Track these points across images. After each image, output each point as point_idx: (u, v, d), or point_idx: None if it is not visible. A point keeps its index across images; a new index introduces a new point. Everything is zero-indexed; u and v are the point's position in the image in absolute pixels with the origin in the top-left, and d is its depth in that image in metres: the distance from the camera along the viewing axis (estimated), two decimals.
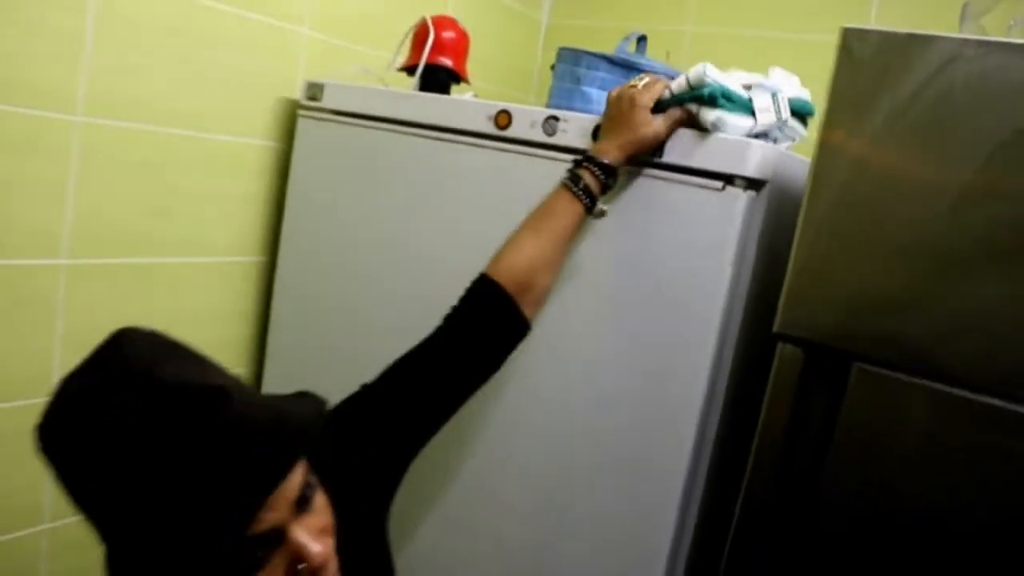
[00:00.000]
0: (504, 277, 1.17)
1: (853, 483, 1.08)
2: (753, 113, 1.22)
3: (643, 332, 1.29)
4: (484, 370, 1.18)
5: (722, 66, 1.23)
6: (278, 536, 0.78)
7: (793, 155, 1.31)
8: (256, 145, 1.75)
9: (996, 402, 0.99)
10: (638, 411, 1.29)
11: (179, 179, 1.62)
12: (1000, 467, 0.99)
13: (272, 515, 0.76)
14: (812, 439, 1.11)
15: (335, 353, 1.68)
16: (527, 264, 1.19)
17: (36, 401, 1.44)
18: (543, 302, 1.24)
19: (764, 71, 1.31)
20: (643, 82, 1.24)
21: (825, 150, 1.09)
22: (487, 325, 1.17)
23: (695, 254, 1.24)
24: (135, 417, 0.72)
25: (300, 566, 0.79)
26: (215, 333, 1.78)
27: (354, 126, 1.64)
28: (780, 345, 1.13)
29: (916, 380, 1.03)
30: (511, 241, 1.22)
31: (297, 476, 0.78)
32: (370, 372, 1.13)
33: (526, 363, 1.37)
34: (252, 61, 1.69)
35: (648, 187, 1.28)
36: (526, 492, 1.43)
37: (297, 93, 1.77)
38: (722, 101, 1.18)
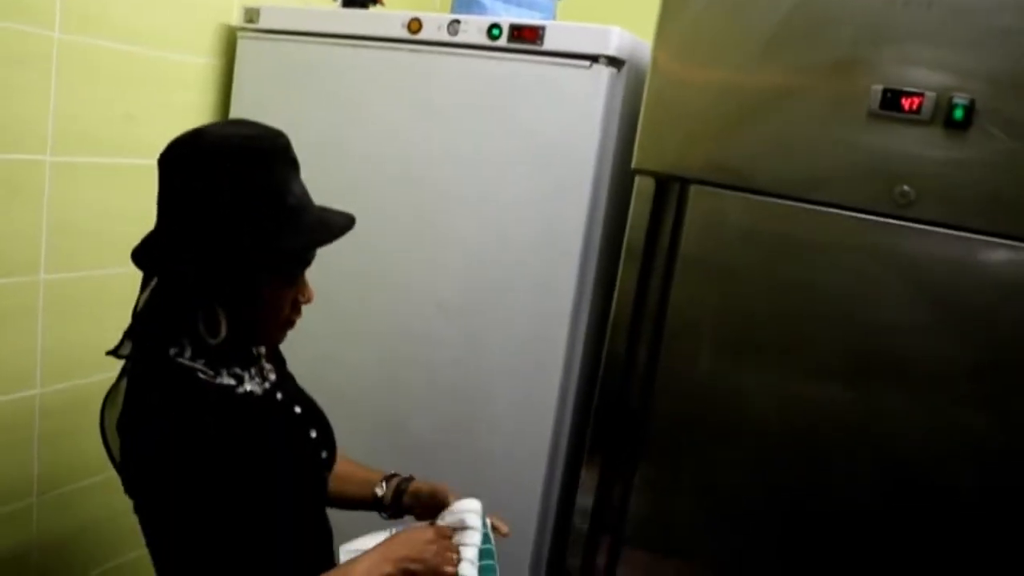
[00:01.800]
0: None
1: (696, 269, 1.44)
2: None
3: (535, 181, 1.63)
4: None
5: None
6: (306, 265, 1.18)
7: (644, 43, 1.65)
8: (202, 63, 2.02)
9: (788, 203, 1.35)
10: (534, 244, 1.64)
11: (139, 90, 1.88)
12: (792, 246, 1.36)
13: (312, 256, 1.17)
14: (666, 242, 1.47)
15: None
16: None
17: (24, 279, 1.72)
18: None
19: None
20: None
21: (660, 34, 1.43)
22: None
23: (573, 119, 1.59)
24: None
25: (301, 299, 1.19)
26: None
27: (288, 42, 1.94)
28: (637, 178, 1.48)
29: (735, 193, 1.39)
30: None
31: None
32: None
33: (445, 212, 1.72)
34: None
35: (531, 69, 1.62)
36: (451, 325, 1.76)
37: (234, 18, 2.05)
38: None
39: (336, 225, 1.15)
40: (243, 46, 2.01)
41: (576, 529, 1.60)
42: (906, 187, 1.27)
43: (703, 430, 1.46)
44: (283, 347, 1.34)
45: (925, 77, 1.25)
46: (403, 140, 1.78)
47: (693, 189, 1.43)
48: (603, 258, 1.65)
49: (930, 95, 1.24)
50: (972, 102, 1.22)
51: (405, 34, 1.75)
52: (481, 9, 1.78)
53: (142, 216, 1.84)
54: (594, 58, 1.55)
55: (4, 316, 1.73)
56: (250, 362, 1.23)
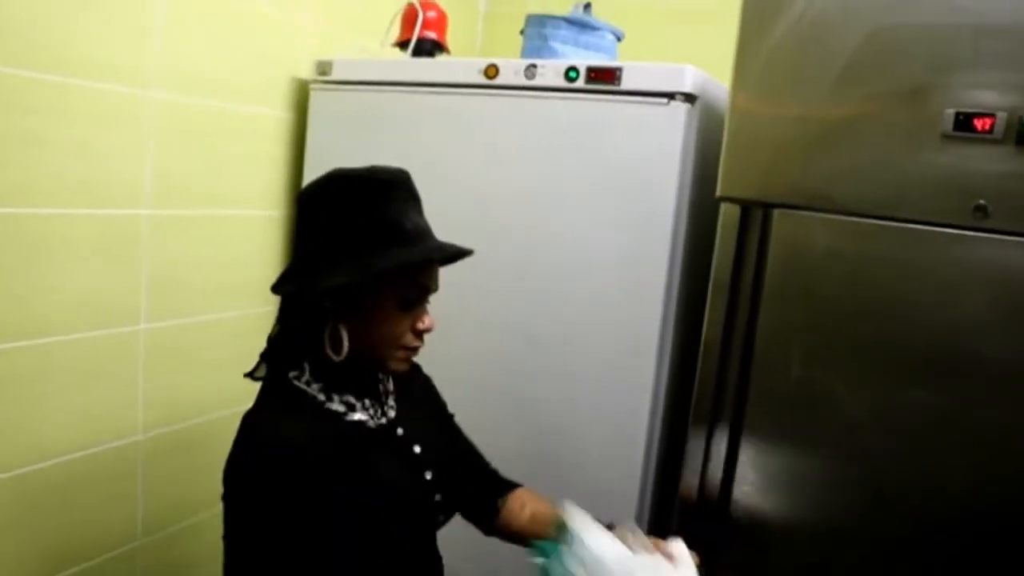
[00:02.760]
0: (507, 516, 1.47)
1: (783, 286, 1.54)
2: None
3: (620, 213, 1.74)
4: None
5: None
6: (426, 295, 1.26)
7: (713, 79, 1.77)
8: (277, 115, 2.13)
9: (869, 221, 1.46)
10: (620, 274, 1.74)
11: (221, 144, 1.99)
12: (874, 261, 1.47)
13: (432, 284, 1.25)
14: (752, 263, 1.57)
15: None
16: (521, 525, 1.46)
17: (126, 329, 1.81)
18: (512, 528, 1.48)
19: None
20: None
21: (738, 72, 1.54)
22: (475, 505, 1.49)
23: (652, 153, 1.69)
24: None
25: (420, 326, 1.25)
26: (253, 273, 2.15)
27: (361, 92, 2.05)
28: (722, 205, 1.59)
29: (817, 214, 1.50)
30: (534, 508, 1.47)
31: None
32: None
33: (533, 248, 1.82)
34: (269, 45, 2.07)
35: (612, 108, 1.73)
36: (542, 357, 1.86)
37: (303, 72, 2.16)
38: None
39: (451, 248, 1.24)
40: (316, 97, 2.12)
41: None
42: (982, 201, 1.38)
43: (798, 439, 1.56)
44: None
45: (995, 99, 1.36)
46: (483, 180, 1.89)
47: (777, 213, 1.54)
48: (685, 283, 1.76)
49: (1001, 115, 1.35)
50: None
51: (482, 80, 1.86)
52: (551, 53, 1.89)
53: (229, 262, 1.96)
54: (671, 95, 1.66)
55: (108, 366, 1.82)
56: (369, 392, 1.31)
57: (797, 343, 1.54)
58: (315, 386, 1.23)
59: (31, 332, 1.65)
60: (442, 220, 1.89)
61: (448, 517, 1.40)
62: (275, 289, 1.24)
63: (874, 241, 1.47)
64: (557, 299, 1.83)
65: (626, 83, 1.70)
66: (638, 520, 1.77)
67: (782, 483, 1.59)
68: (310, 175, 2.14)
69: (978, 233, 1.39)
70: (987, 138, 1.37)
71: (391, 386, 1.37)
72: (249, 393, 2.12)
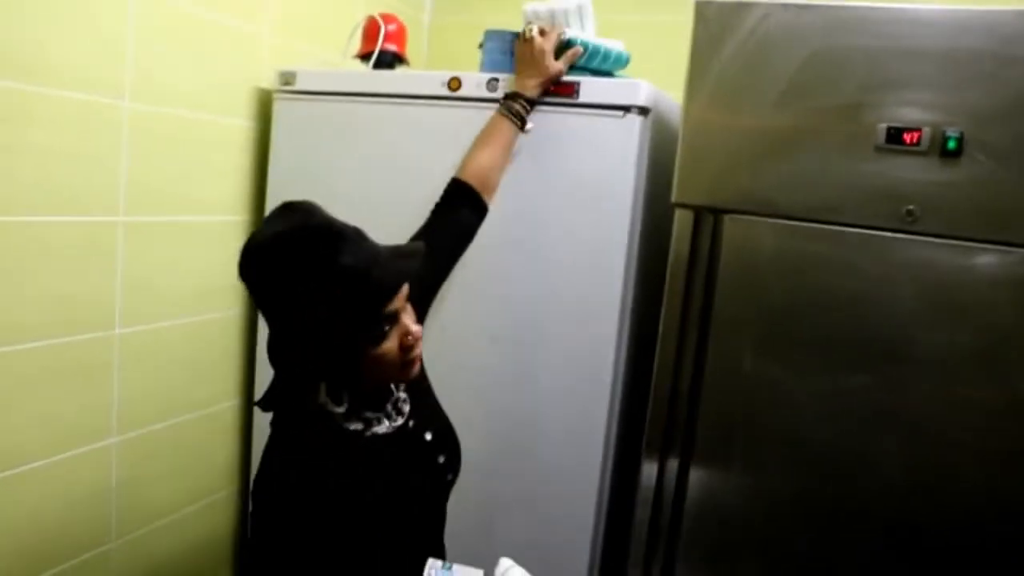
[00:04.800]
0: (469, 177, 1.69)
1: (732, 285, 1.68)
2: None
3: (579, 220, 1.85)
4: (464, 241, 1.68)
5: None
6: (395, 317, 1.23)
7: (664, 92, 1.90)
8: (240, 124, 2.19)
9: (812, 225, 1.61)
10: (579, 276, 1.86)
11: (190, 152, 2.05)
12: (816, 261, 1.61)
13: (395, 304, 1.22)
14: (704, 269, 1.70)
15: None
16: (484, 167, 1.72)
17: (102, 334, 1.88)
18: (495, 192, 1.75)
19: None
20: (538, 31, 1.80)
21: (691, 87, 1.67)
22: (462, 211, 1.67)
23: (609, 162, 1.81)
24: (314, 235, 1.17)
25: (408, 337, 1.25)
26: (221, 278, 2.21)
27: (325, 102, 2.12)
28: (677, 211, 1.72)
29: (763, 219, 1.64)
30: (469, 154, 1.73)
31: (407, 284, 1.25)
32: None
33: (496, 253, 1.92)
34: (232, 56, 2.14)
35: (571, 120, 1.84)
36: (505, 356, 1.97)
37: (267, 82, 2.23)
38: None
39: (393, 277, 1.20)
40: (279, 107, 2.19)
41: (635, 538, 1.83)
42: (911, 206, 1.54)
43: (750, 426, 1.70)
44: None
45: (921, 115, 1.52)
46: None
47: (727, 218, 1.67)
48: (640, 281, 1.89)
49: (927, 130, 1.51)
50: (962, 134, 1.49)
51: (445, 92, 1.96)
52: (511, 67, 1.99)
53: (199, 267, 2.04)
54: (626, 108, 1.78)
55: (83, 370, 1.87)
56: (382, 402, 1.37)
57: (747, 337, 1.68)
58: (333, 406, 1.29)
59: (7, 338, 1.69)
60: (407, 224, 2.00)
61: (456, 475, 1.49)
62: (270, 361, 1.28)
63: (816, 243, 1.62)
64: (521, 300, 1.94)
65: (584, 96, 1.82)
66: (599, 504, 1.90)
67: (737, 478, 1.73)
68: (274, 182, 2.21)
69: (908, 235, 1.55)
70: (915, 150, 1.53)
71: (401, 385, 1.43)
72: (217, 395, 2.20)
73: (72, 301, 1.82)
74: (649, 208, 1.86)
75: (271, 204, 2.22)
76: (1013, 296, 1.51)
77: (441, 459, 1.44)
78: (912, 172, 1.54)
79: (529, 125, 1.81)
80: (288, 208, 1.23)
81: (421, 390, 1.48)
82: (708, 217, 1.70)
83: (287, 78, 2.16)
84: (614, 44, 1.90)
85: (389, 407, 1.37)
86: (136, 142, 1.89)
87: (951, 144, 1.50)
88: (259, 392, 2.22)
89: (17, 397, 1.73)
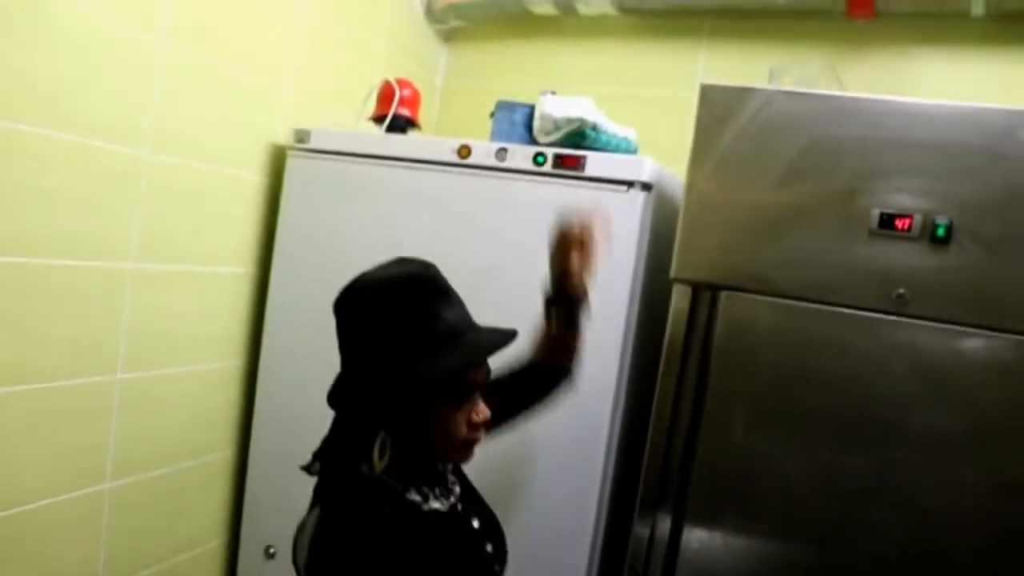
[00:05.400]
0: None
1: (728, 361, 1.73)
2: None
3: None
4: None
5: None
6: (474, 387, 1.25)
7: (667, 169, 1.96)
8: (253, 179, 2.25)
9: (806, 304, 1.66)
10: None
11: (202, 204, 2.10)
12: (810, 340, 1.66)
13: (480, 376, 1.27)
14: (700, 343, 1.75)
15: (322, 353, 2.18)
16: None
17: (103, 379, 1.91)
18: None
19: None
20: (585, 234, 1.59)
21: (693, 165, 1.74)
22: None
23: (613, 235, 1.86)
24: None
25: (477, 415, 1.26)
26: (223, 328, 2.25)
27: (339, 162, 2.18)
28: (675, 286, 1.77)
29: (760, 297, 1.70)
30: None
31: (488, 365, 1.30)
32: None
33: (500, 317, 1.95)
34: (249, 112, 2.21)
35: (573, 192, 1.90)
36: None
37: (281, 138, 2.29)
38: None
39: (487, 344, 1.24)
40: (292, 164, 2.25)
41: None
42: (902, 290, 1.60)
43: (742, 494, 1.73)
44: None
45: (912, 202, 1.59)
46: (451, 255, 2.00)
47: (724, 295, 1.73)
48: (637, 354, 1.93)
49: (918, 217, 1.58)
50: (951, 222, 1.56)
51: (455, 158, 2.02)
52: (520, 138, 2.06)
53: (203, 317, 2.07)
54: (630, 183, 1.85)
55: (82, 413, 1.89)
56: (436, 479, 1.34)
57: (741, 412, 1.73)
58: (390, 477, 1.24)
59: (8, 378, 1.71)
60: None
61: (503, 568, 1.43)
62: (330, 401, 1.29)
63: (810, 322, 1.67)
64: None
65: (589, 170, 1.88)
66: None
67: (728, 547, 1.75)
68: (283, 236, 2.26)
69: (899, 318, 1.60)
70: (906, 236, 1.59)
71: (449, 465, 1.41)
72: (214, 444, 2.22)
73: (76, 344, 1.84)
74: (648, 282, 1.91)
75: (278, 257, 2.27)
76: (999, 380, 1.56)
77: (489, 548, 1.39)
78: (903, 257, 1.60)
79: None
80: (404, 260, 1.31)
81: (464, 478, 1.47)
82: (706, 293, 1.75)
83: (302, 136, 2.22)
84: (625, 132, 1.98)
85: (439, 488, 1.33)
86: (152, 191, 1.94)
87: (941, 231, 1.57)
88: (258, 446, 2.26)
89: (16, 438, 1.74)
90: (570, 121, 1.95)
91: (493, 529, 1.43)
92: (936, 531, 1.60)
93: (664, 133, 2.01)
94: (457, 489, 1.38)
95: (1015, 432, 1.56)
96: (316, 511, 1.26)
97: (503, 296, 1.94)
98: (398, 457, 1.24)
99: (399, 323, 1.19)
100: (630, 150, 2.01)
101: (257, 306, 2.33)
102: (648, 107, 2.53)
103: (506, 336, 1.26)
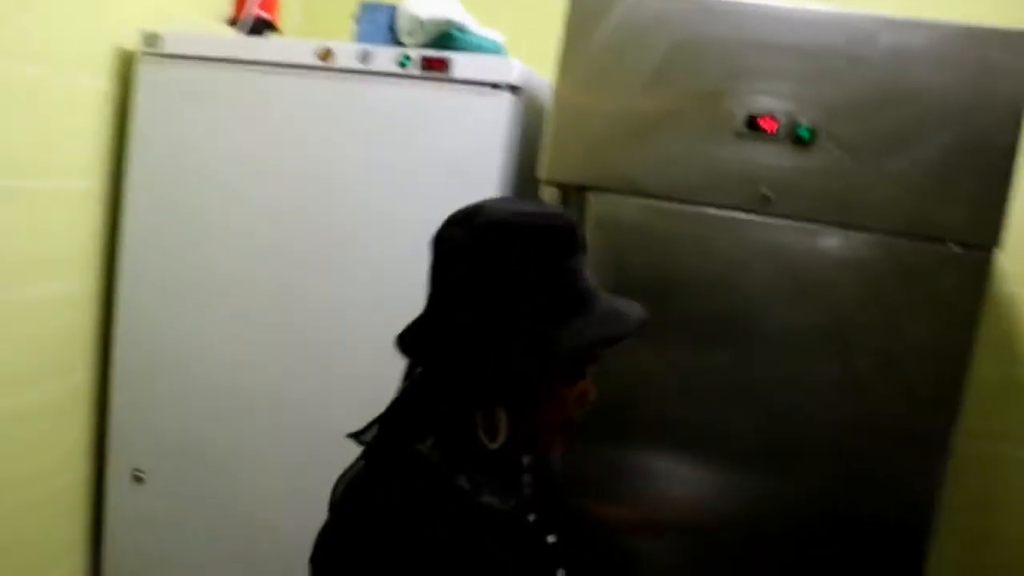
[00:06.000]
0: None
1: (598, 266, 1.71)
2: None
3: (444, 196, 1.82)
4: None
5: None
6: (596, 363, 1.08)
7: (534, 71, 1.92)
8: (98, 86, 2.09)
9: (674, 205, 1.67)
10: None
11: (37, 112, 1.92)
12: (675, 239, 1.68)
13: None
14: None
15: (185, 272, 2.11)
16: None
17: None
18: None
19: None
20: None
21: (562, 67, 1.71)
22: None
23: (478, 139, 1.83)
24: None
25: (586, 396, 1.06)
26: (68, 248, 2.11)
27: (194, 67, 2.05)
28: (545, 188, 1.75)
29: (628, 198, 1.69)
30: None
31: None
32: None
33: (358, 232, 1.91)
34: (92, 11, 2.03)
35: (443, 96, 1.85)
36: (365, 335, 1.95)
37: (128, 43, 2.13)
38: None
39: (631, 318, 1.04)
40: (144, 70, 2.10)
41: None
42: (766, 190, 1.62)
43: (611, 408, 1.74)
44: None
45: (778, 105, 1.61)
46: (314, 162, 1.96)
47: (592, 196, 1.72)
48: None
49: (782, 119, 1.60)
50: (814, 124, 1.58)
51: (317, 62, 1.93)
52: (385, 39, 1.98)
53: (48, 236, 1.90)
54: (497, 85, 1.81)
55: None
56: (510, 471, 1.11)
57: None
58: (439, 458, 1.02)
59: None
60: (275, 198, 1.97)
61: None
62: (409, 349, 1.08)
63: (678, 222, 1.68)
64: (384, 278, 1.93)
65: (457, 72, 1.83)
66: None
67: (601, 458, 1.77)
68: (136, 149, 2.12)
69: (763, 218, 1.63)
70: (771, 137, 1.61)
71: (525, 459, 1.16)
72: (67, 368, 2.09)
73: None
74: (519, 185, 1.89)
75: (133, 171, 2.13)
76: (856, 277, 1.60)
77: (561, 575, 1.16)
78: (768, 158, 1.62)
79: None
80: (539, 202, 1.16)
81: (550, 481, 1.23)
82: (574, 195, 1.73)
83: (151, 39, 2.08)
84: (493, 35, 1.93)
85: (502, 479, 1.08)
86: None
87: (804, 133, 1.59)
88: (121, 367, 2.14)
89: None
90: (436, 22, 1.88)
91: (573, 549, 1.21)
92: (790, 427, 1.65)
93: (533, 38, 1.95)
94: (528, 492, 1.14)
95: (868, 328, 1.61)
96: (360, 465, 1.07)
97: (361, 211, 1.90)
98: (465, 443, 1.02)
99: (535, 271, 0.97)
100: (498, 52, 1.96)
101: (110, 224, 2.19)
102: (516, 10, 2.46)
103: (642, 312, 1.06)
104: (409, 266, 1.87)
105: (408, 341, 1.06)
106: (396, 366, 1.87)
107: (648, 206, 1.69)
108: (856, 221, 1.59)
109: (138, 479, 2.17)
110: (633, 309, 1.05)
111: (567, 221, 1.03)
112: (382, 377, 1.89)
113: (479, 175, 1.83)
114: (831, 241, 1.61)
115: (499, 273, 0.97)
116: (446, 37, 1.90)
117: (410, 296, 1.88)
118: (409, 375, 1.11)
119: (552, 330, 0.96)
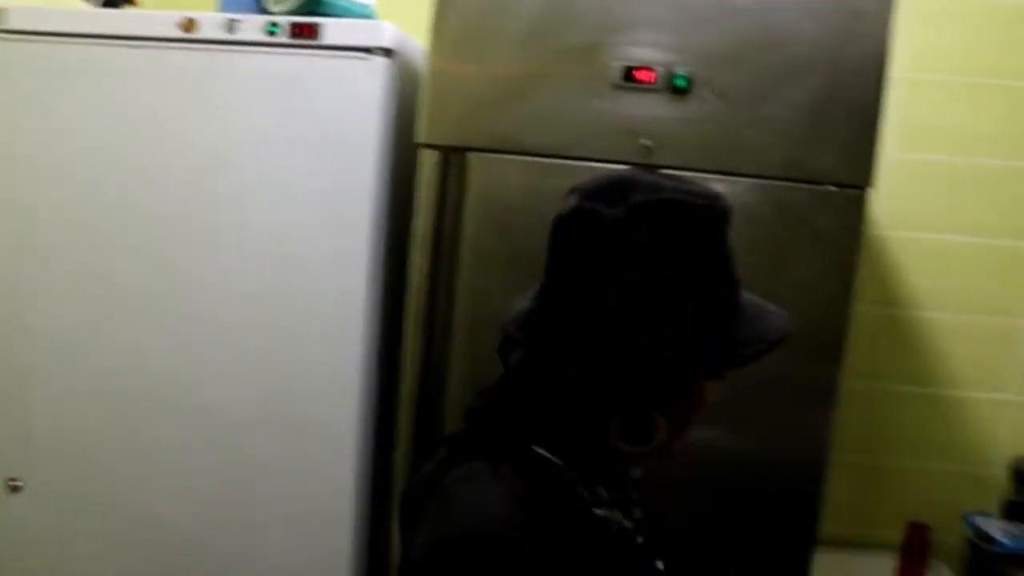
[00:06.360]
0: None
1: (482, 229, 1.69)
2: None
3: (321, 167, 1.80)
4: None
5: None
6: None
7: (408, 35, 1.88)
8: None
9: (556, 161, 1.65)
10: (324, 227, 1.81)
11: None
12: (558, 196, 1.65)
13: None
14: (453, 210, 1.71)
15: (46, 259, 1.97)
16: None
17: None
18: None
19: None
20: None
21: (435, 30, 1.67)
22: None
23: (353, 106, 1.78)
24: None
25: (710, 398, 0.94)
26: None
27: (46, 44, 1.92)
28: (423, 151, 1.71)
29: (507, 156, 1.67)
30: None
31: None
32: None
33: (231, 209, 1.84)
34: None
35: (314, 63, 1.79)
36: (247, 311, 1.88)
37: None
38: None
39: (778, 312, 0.95)
40: None
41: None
42: (646, 141, 1.62)
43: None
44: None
45: (653, 55, 1.61)
46: (179, 140, 1.86)
47: (473, 157, 1.69)
48: (388, 227, 1.86)
49: (658, 69, 1.60)
50: (690, 74, 1.59)
51: (179, 33, 1.84)
52: (249, 8, 1.90)
53: None
54: (370, 50, 1.76)
55: None
56: (618, 485, 0.99)
57: (497, 267, 1.70)
58: (564, 464, 0.91)
59: None
60: (139, 180, 1.87)
61: None
62: (542, 346, 0.92)
63: (560, 179, 1.61)
64: (262, 255, 1.86)
65: (327, 38, 1.77)
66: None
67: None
68: None
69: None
70: (648, 88, 1.61)
71: (638, 471, 1.06)
72: None
73: None
74: (395, 153, 1.84)
75: None
76: (738, 221, 1.61)
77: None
78: (647, 109, 1.62)
79: None
80: (686, 180, 0.93)
81: (655, 495, 1.09)
82: (455, 157, 1.70)
83: None
84: (363, 1, 1.88)
85: (616, 493, 0.97)
86: None
87: (680, 82, 1.60)
88: None
89: None
90: None
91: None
92: None
93: (403, 3, 1.91)
94: (638, 513, 1.01)
95: (755, 271, 1.60)
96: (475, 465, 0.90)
97: (235, 189, 1.83)
98: (586, 447, 0.92)
99: (711, 262, 0.88)
100: (369, 17, 1.91)
101: None
102: None
103: (784, 318, 0.95)
104: (290, 242, 1.82)
105: (530, 334, 0.92)
106: (281, 348, 1.83)
107: (529, 163, 1.67)
108: (736, 167, 1.61)
109: (14, 488, 2.03)
110: (776, 317, 0.94)
111: (724, 205, 0.90)
112: (265, 362, 1.87)
113: (357, 141, 1.77)
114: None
115: (668, 258, 0.85)
116: (314, 3, 1.84)
117: (291, 275, 1.84)
118: (505, 362, 0.98)
119: (735, 328, 0.88)
